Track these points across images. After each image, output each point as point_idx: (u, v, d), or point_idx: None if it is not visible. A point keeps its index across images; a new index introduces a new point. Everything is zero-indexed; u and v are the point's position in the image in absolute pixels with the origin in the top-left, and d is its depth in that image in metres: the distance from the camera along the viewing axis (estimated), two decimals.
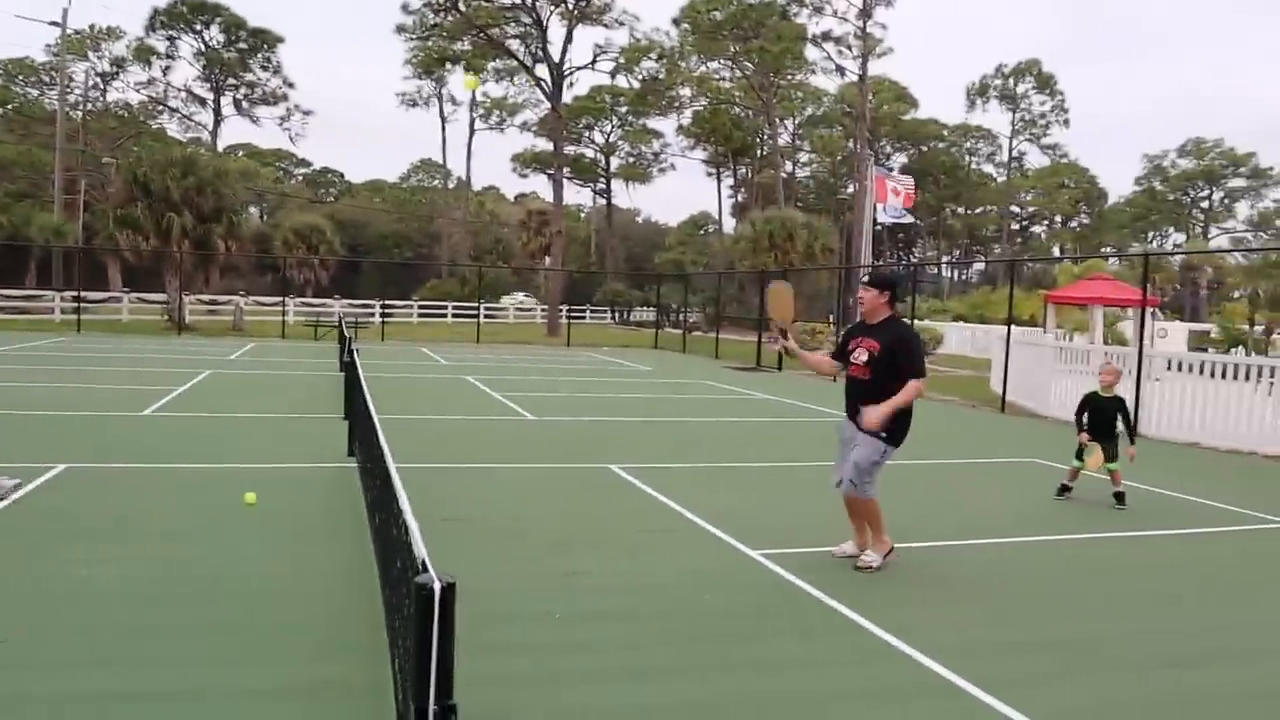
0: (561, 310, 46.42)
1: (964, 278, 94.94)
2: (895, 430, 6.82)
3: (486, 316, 45.65)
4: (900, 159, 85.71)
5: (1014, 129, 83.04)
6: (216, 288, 44.78)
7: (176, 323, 35.73)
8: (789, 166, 78.54)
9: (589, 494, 9.39)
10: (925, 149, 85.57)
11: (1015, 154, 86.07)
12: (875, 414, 6.66)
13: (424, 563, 2.47)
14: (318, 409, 14.49)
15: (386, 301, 43.28)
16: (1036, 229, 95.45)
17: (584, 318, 58.05)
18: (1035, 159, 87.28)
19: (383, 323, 39.25)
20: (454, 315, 50.40)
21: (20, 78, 71.68)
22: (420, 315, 50.54)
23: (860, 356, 6.89)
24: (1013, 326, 20.40)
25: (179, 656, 4.94)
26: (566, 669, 4.99)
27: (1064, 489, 10.06)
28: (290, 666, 4.89)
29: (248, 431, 12.45)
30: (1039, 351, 19.35)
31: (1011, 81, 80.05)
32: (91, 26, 66.12)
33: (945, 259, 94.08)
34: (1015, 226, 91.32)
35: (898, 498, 9.67)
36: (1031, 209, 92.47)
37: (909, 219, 48.86)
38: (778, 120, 69.56)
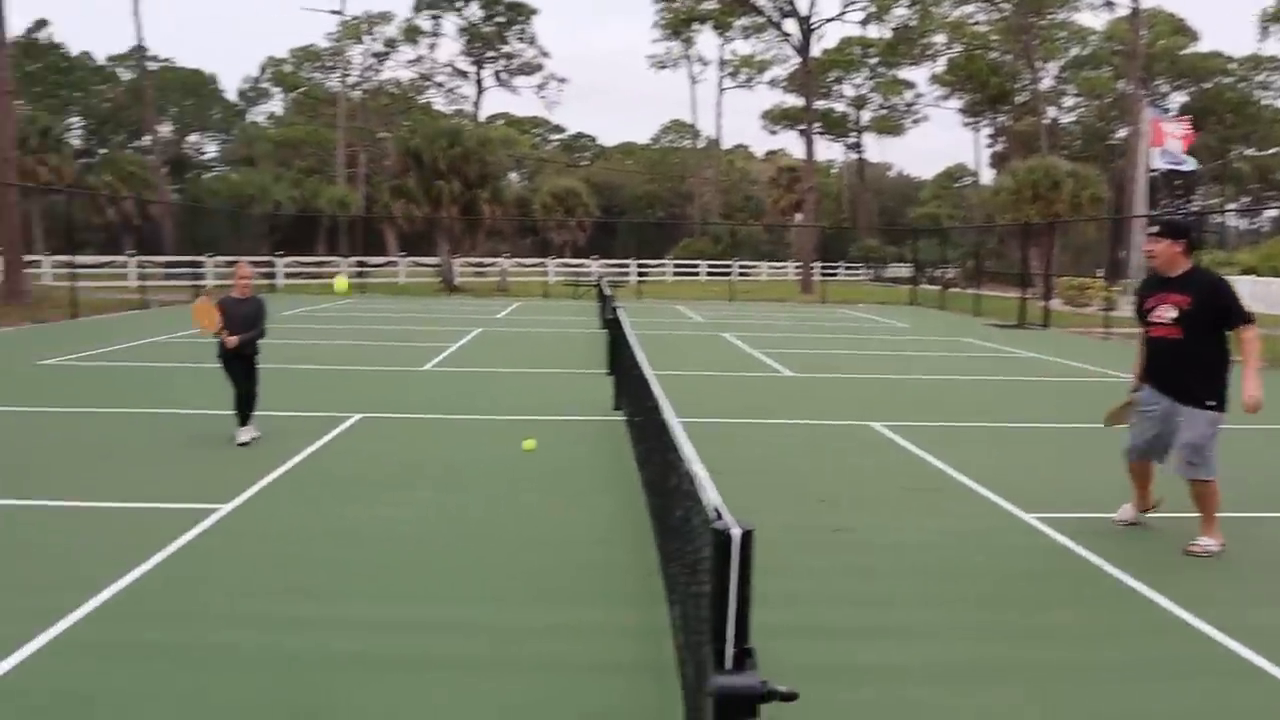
0: (815, 267, 45.94)
1: (1254, 226, 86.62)
2: (1221, 393, 6.11)
3: (739, 274, 45.83)
4: (1179, 98, 78.82)
5: None
6: (482, 250, 47.19)
7: (448, 284, 37.96)
8: (1052, 112, 73.85)
9: (851, 451, 9.33)
10: (1208, 86, 78.16)
11: None
12: (1256, 388, 5.98)
13: (718, 509, 2.55)
14: (582, 364, 15.06)
15: (641, 261, 44.22)
16: None
17: (837, 275, 57.20)
18: None
19: (638, 281, 40.17)
20: (707, 273, 50.90)
21: (307, 64, 77.97)
22: (674, 274, 51.37)
23: (1167, 313, 6.17)
24: None
25: (467, 594, 5.34)
26: (836, 625, 5.02)
27: None
28: (565, 608, 5.17)
29: (518, 386, 13.12)
30: None
31: None
32: (366, 12, 70.84)
33: (1231, 206, 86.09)
34: None
35: None
36: None
37: (1190, 165, 45.09)
38: (1039, 63, 65.53)
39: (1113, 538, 6.51)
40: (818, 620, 5.04)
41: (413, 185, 37.47)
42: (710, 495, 2.74)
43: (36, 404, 11.02)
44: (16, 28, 69.37)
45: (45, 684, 4.15)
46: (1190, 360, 6.11)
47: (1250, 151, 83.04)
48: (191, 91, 77.90)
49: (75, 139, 68.19)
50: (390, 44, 70.51)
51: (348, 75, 67.28)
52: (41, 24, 71.29)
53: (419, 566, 5.75)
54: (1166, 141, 40.77)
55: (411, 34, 68.56)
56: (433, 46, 69.63)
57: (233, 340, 8.80)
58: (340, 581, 5.46)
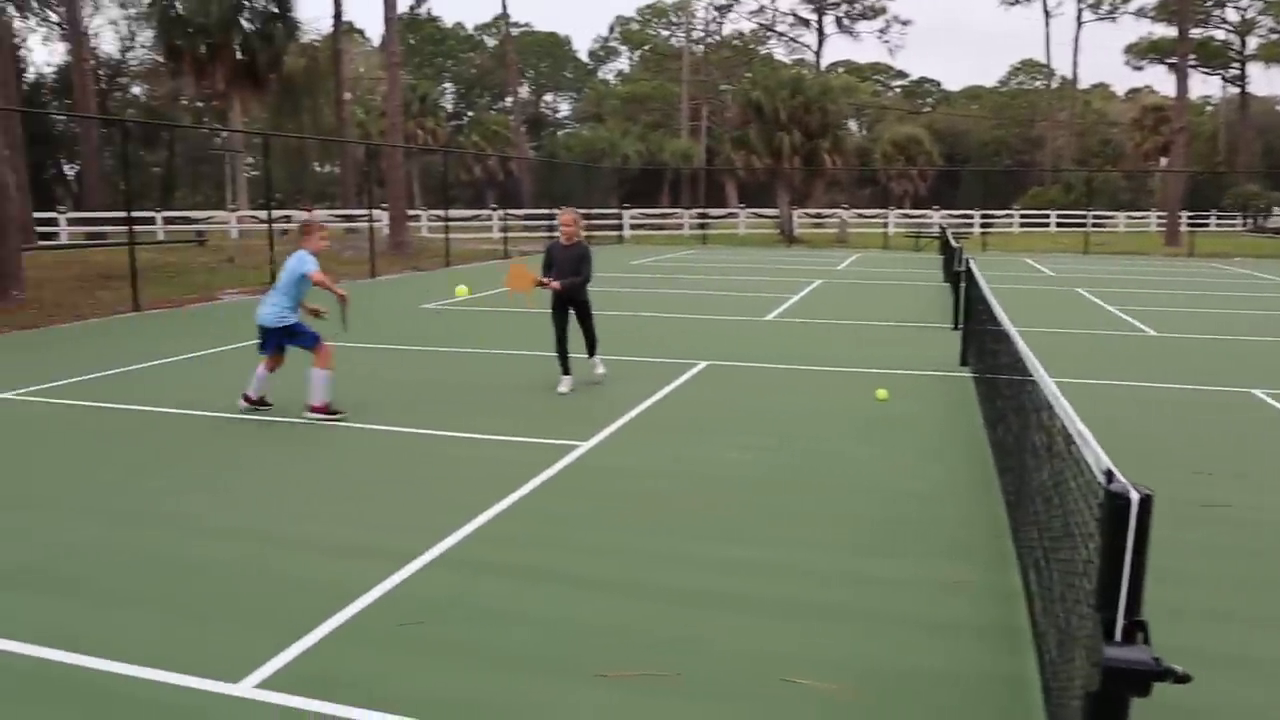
0: (1181, 217, 41.84)
1: None
2: None
3: (1094, 225, 42.62)
4: None
5: None
6: (821, 202, 46.89)
7: (787, 235, 38.08)
8: None
9: (1230, 419, 8.48)
10: None
11: None
12: None
13: (1110, 472, 2.41)
14: (926, 318, 14.66)
15: (986, 211, 42.19)
16: None
17: (1208, 225, 51.79)
18: None
19: (983, 233, 38.40)
20: (1058, 225, 47.73)
21: (654, 21, 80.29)
22: (1021, 225, 48.60)
23: None
24: None
25: (809, 540, 5.39)
26: (1201, 606, 4.62)
27: None
28: (916, 561, 5.09)
29: (859, 338, 12.98)
30: None
31: None
32: None
33: None
34: None
35: None
36: None
37: None
38: None
39: None
40: (1186, 601, 4.65)
41: (753, 136, 37.78)
42: (1100, 456, 2.59)
43: (422, 344, 12.24)
44: (400, 3, 76.35)
45: (428, 592, 4.64)
46: None
47: None
48: (547, 53, 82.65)
49: (447, 103, 74.42)
50: None
51: (692, 30, 68.62)
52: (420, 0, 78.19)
53: (769, 510, 5.87)
54: None
55: None
56: None
57: (556, 284, 9.13)
58: (688, 521, 5.68)
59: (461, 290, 10.81)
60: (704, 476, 6.55)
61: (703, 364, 10.60)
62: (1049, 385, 3.81)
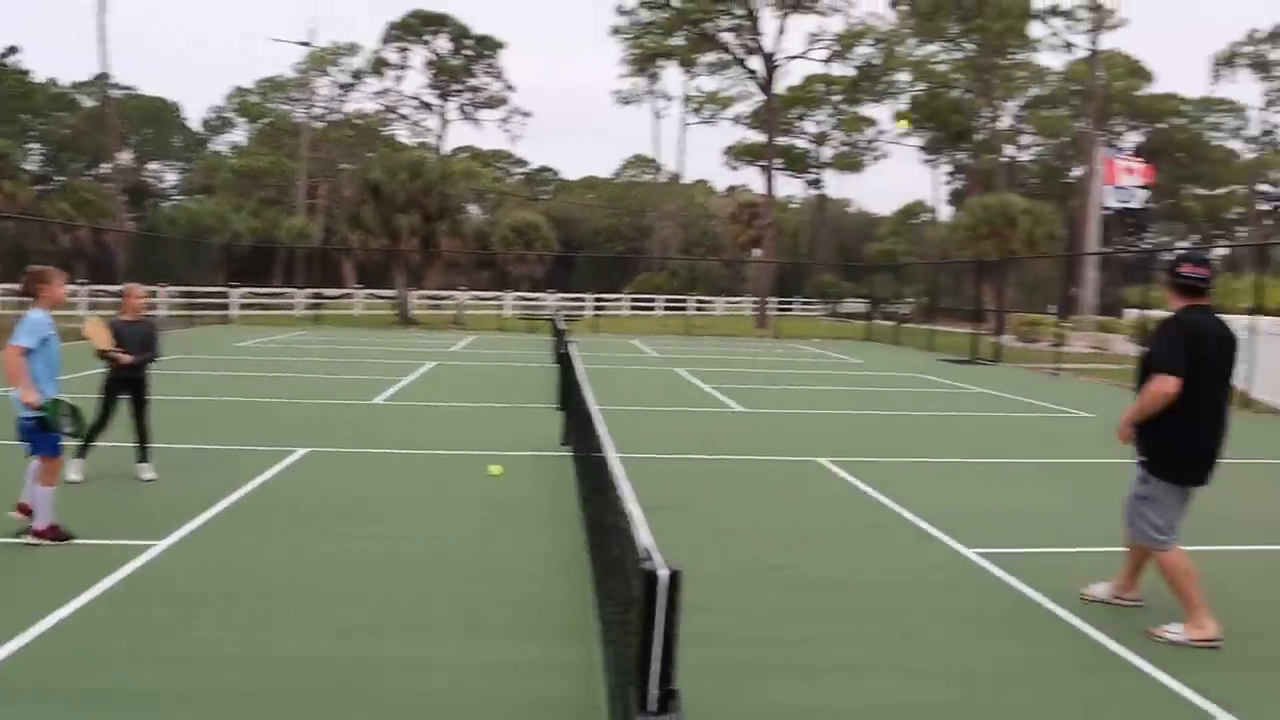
0: (770, 303, 46.21)
1: None
2: (1153, 455, 5.51)
3: (696, 309, 45.97)
4: (1134, 138, 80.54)
5: (1266, 100, 76.43)
6: (439, 283, 47.05)
7: (403, 316, 37.75)
8: (1010, 150, 75.16)
9: (798, 487, 9.34)
10: (1162, 126, 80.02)
11: (1266, 127, 79.25)
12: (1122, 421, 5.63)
13: (648, 550, 2.54)
14: (534, 399, 15.00)
15: (599, 294, 44.27)
16: None
17: (792, 310, 57.54)
18: None
19: (595, 315, 40.18)
20: (665, 308, 51.01)
21: (273, 94, 77.70)
22: (631, 308, 51.44)
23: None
24: (1262, 316, 18.68)
25: (402, 629, 5.27)
26: (768, 663, 5.00)
27: None
28: (503, 643, 5.13)
29: (469, 420, 13.03)
30: None
31: (1266, 47, 73.65)
32: (333, 42, 70.61)
33: (1181, 244, 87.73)
34: (1264, 207, 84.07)
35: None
36: None
37: (1136, 203, 45.99)
38: (999, 102, 66.78)
39: (1057, 574, 6.54)
40: (753, 659, 5.02)
41: (371, 217, 37.28)
42: (642, 535, 2.72)
43: None
44: None
45: None
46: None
47: (1200, 191, 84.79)
48: (153, 119, 77.42)
49: (33, 164, 67.44)
50: (357, 75, 70.35)
51: (313, 106, 67.15)
52: (11, 50, 70.65)
53: (359, 601, 5.66)
54: (1119, 179, 41.65)
55: (378, 66, 68.48)
56: (399, 79, 69.61)
57: (127, 358, 8.41)
58: (279, 616, 5.37)
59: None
60: (298, 570, 6.23)
61: (303, 450, 10.15)
62: (615, 464, 3.99)
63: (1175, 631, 5.41)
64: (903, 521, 7.98)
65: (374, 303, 43.03)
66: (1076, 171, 67.84)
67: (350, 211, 39.54)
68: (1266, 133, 79.14)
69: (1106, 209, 44.21)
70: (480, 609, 5.62)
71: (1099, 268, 47.68)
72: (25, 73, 71.83)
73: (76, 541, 6.60)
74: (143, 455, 8.68)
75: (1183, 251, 5.65)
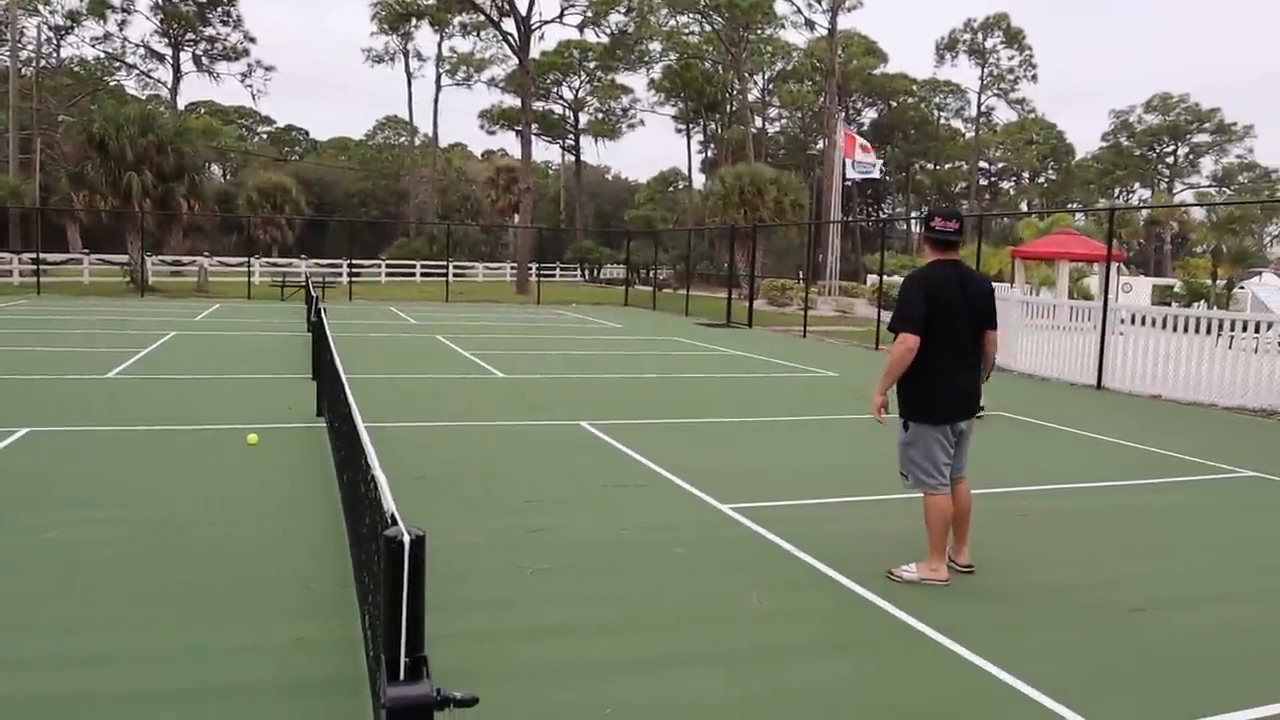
0: (531, 268, 46.20)
1: None
2: (906, 403, 5.85)
3: (455, 275, 45.34)
4: (870, 114, 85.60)
5: (983, 84, 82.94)
6: (180, 249, 44.21)
7: (139, 284, 35.27)
8: (759, 122, 78.17)
9: (559, 450, 9.41)
10: (894, 104, 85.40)
11: (984, 109, 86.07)
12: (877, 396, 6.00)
13: (393, 516, 2.47)
14: (286, 369, 14.39)
15: (354, 261, 42.89)
16: (1005, 184, 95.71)
17: (554, 276, 57.80)
18: (1004, 114, 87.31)
19: (350, 282, 38.92)
20: (423, 274, 50.03)
21: None
22: (389, 275, 50.14)
23: None
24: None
25: (149, 619, 4.94)
26: (533, 625, 5.02)
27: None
28: (261, 625, 4.89)
29: (215, 393, 12.35)
30: (1005, 306, 19.43)
31: (980, 36, 79.73)
32: None
33: (914, 214, 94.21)
34: (984, 182, 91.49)
35: (863, 448, 9.79)
36: (1000, 165, 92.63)
37: (876, 173, 49.01)
38: (748, 75, 69.23)
39: (804, 525, 6.90)
40: (512, 623, 5.02)
41: (96, 175, 34.44)
42: (387, 501, 2.65)
43: None
44: None
45: None
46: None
47: (930, 165, 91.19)
48: None
49: None
50: (72, 17, 64.57)
51: (21, 49, 61.09)
52: None
53: (98, 592, 5.25)
54: (858, 154, 44.18)
55: (98, 7, 63.05)
56: (123, 24, 64.44)
57: None
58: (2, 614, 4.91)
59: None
60: (14, 562, 5.70)
61: (24, 430, 9.30)
62: (363, 433, 3.87)
63: (909, 570, 5.81)
64: (661, 479, 8.18)
65: (105, 269, 39.95)
66: (820, 145, 71.46)
67: (72, 169, 36.37)
68: (983, 114, 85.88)
69: (847, 180, 46.82)
70: (233, 590, 5.33)
71: (841, 235, 50.49)
72: None
73: None
74: None
75: (938, 207, 6.08)
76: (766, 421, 11.56)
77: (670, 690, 4.32)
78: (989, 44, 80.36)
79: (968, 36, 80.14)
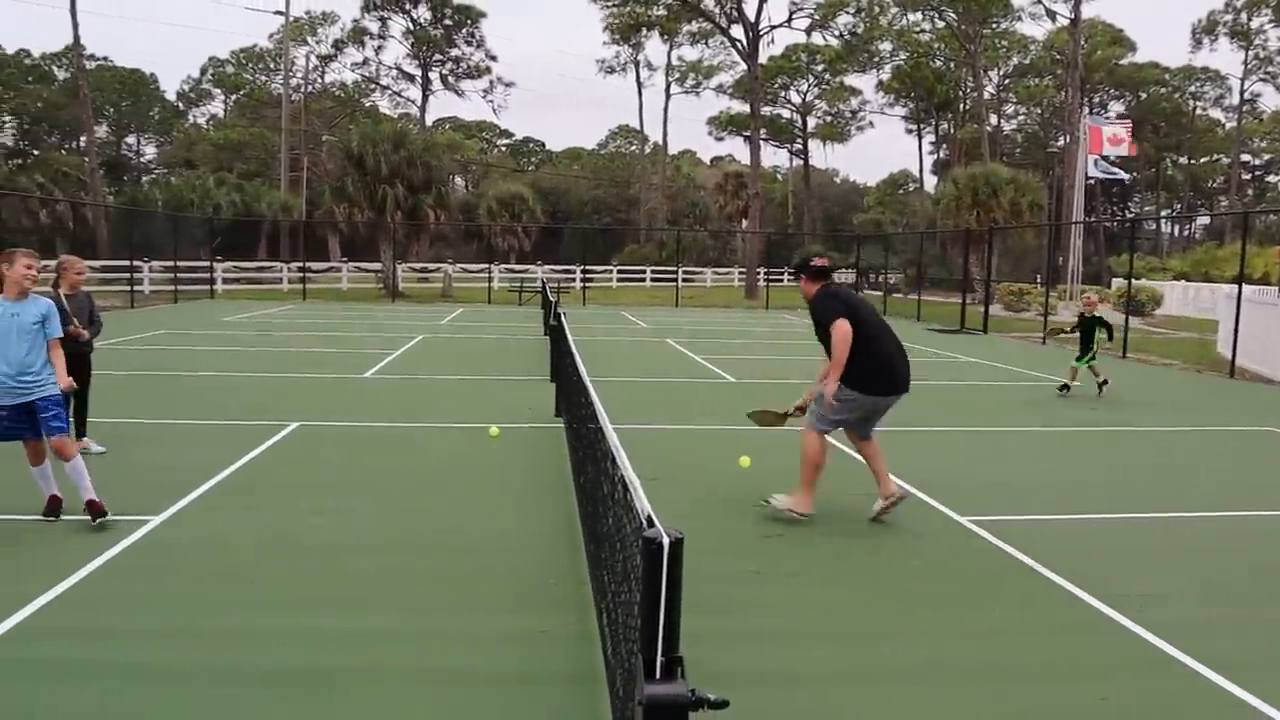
0: (759, 273, 46.21)
1: (1186, 233, 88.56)
2: (848, 377, 6.91)
3: (684, 280, 45.96)
4: (1116, 107, 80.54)
5: (1246, 69, 76.48)
6: (426, 256, 46.87)
7: (391, 290, 37.62)
8: (994, 120, 75.16)
9: (791, 455, 9.33)
10: (1143, 95, 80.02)
11: (1247, 96, 79.36)
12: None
13: (650, 518, 2.54)
14: (525, 371, 15.00)
15: (587, 266, 44.18)
16: (1272, 178, 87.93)
17: (781, 280, 57.58)
18: (1271, 101, 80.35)
19: (583, 287, 40.12)
20: (652, 279, 50.97)
21: (250, 65, 77.02)
22: (620, 279, 51.38)
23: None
24: (1244, 285, 18.68)
25: (403, 603, 5.27)
26: (768, 630, 5.02)
27: (1065, 387, 14.05)
28: (498, 616, 5.12)
29: (460, 393, 13.02)
30: (1276, 311, 17.90)
31: (1245, 16, 73.57)
32: (308, 12, 70.14)
33: (1165, 212, 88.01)
34: (1246, 176, 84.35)
35: (1118, 463, 9.26)
36: (1266, 156, 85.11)
37: (1121, 174, 46.07)
38: (982, 72, 66.66)
39: (1047, 540, 6.60)
40: (747, 627, 5.04)
41: (355, 189, 37.06)
42: (641, 503, 2.73)
43: None
44: None
45: None
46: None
47: (1182, 160, 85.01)
48: (130, 91, 76.57)
49: (6, 139, 66.76)
50: (337, 46, 69.75)
51: (291, 77, 66.52)
52: None
53: (353, 577, 5.66)
54: (1104, 148, 41.65)
55: (358, 36, 67.85)
56: (379, 49, 68.98)
57: (84, 332, 8.17)
58: (271, 593, 5.37)
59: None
60: (290, 545, 6.22)
61: (294, 424, 10.12)
62: (611, 435, 3.99)
63: (779, 499, 6.99)
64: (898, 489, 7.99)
65: (361, 276, 42.86)
66: (1060, 141, 67.93)
67: (334, 184, 39.30)
68: (1247, 101, 79.27)
69: (1090, 178, 44.29)
70: (474, 581, 5.62)
71: (1084, 237, 47.82)
72: None
73: (74, 517, 6.57)
74: (83, 430, 8.53)
75: (806, 255, 7.82)
76: (1005, 431, 11.11)
77: (909, 705, 4.23)
78: (1255, 24, 73.99)
79: (1229, 18, 74.06)
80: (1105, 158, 41.73)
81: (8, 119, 70.18)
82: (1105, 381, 13.79)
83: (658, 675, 2.36)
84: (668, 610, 2.32)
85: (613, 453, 3.78)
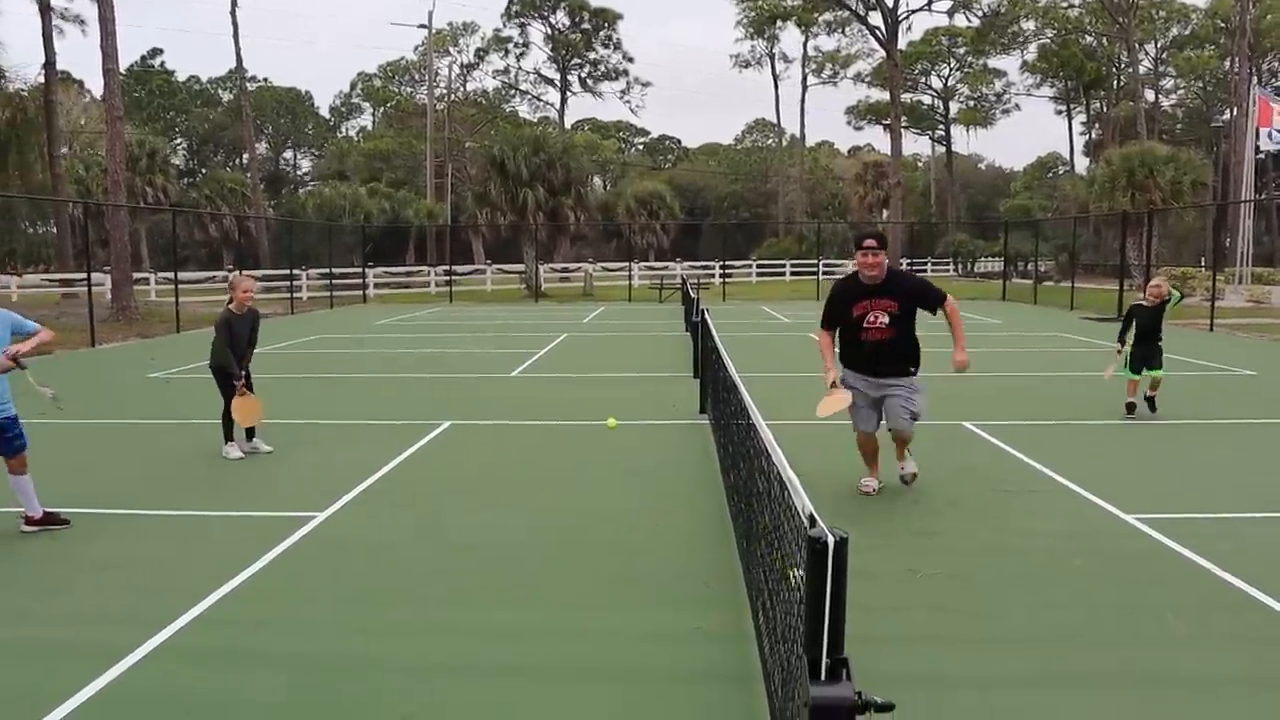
0: (902, 264, 45.27)
1: None
2: (918, 362, 7.22)
3: (825, 273, 45.40)
4: None
5: None
6: (566, 256, 47.58)
7: (534, 290, 38.35)
8: (1150, 96, 71.61)
9: (945, 452, 9.12)
10: None
11: None
12: (963, 352, 7.21)
13: (813, 517, 2.51)
14: (668, 368, 15.06)
15: (726, 262, 44.11)
16: None
17: (925, 270, 56.24)
18: None
19: (723, 283, 40.04)
20: (792, 273, 50.50)
21: (396, 78, 79.74)
22: (759, 274, 51.09)
23: (880, 320, 7.04)
24: None
25: (549, 599, 5.37)
26: (928, 631, 4.91)
27: (1130, 406, 10.72)
28: (651, 612, 5.16)
29: (604, 390, 13.16)
30: None
31: None
32: (450, 24, 72.10)
33: None
34: None
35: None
36: None
37: None
38: (1137, 45, 63.65)
39: (1220, 540, 6.26)
40: (906, 628, 4.94)
41: (497, 193, 37.91)
42: (803, 501, 2.70)
43: (148, 416, 11.42)
44: (132, 54, 72.56)
45: (142, 686, 4.27)
46: (901, 350, 7.12)
47: None
48: (287, 109, 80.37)
49: (179, 159, 70.86)
50: (479, 54, 71.64)
51: (435, 87, 68.53)
52: (156, 51, 74.63)
53: (507, 572, 5.79)
54: (1275, 121, 39.27)
55: (499, 44, 69.57)
56: (520, 55, 70.58)
57: (243, 383, 8.84)
58: (432, 588, 5.54)
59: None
60: (448, 542, 6.42)
61: (446, 424, 10.43)
62: (765, 432, 3.97)
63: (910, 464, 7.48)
64: (1054, 485, 7.73)
65: (504, 278, 43.81)
66: (1225, 115, 64.28)
67: (477, 189, 40.32)
68: None
69: (1260, 153, 41.79)
70: (627, 579, 5.68)
71: (1254, 216, 45.13)
72: (170, 72, 75.43)
73: (247, 513, 6.93)
74: (251, 434, 9.03)
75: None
76: (1170, 425, 10.57)
77: (1074, 712, 4.08)
78: None
79: None
80: (1278, 130, 39.27)
81: (179, 140, 74.54)
82: (1153, 399, 10.82)
83: (823, 676, 2.33)
84: (833, 610, 2.29)
85: (768, 450, 3.75)
